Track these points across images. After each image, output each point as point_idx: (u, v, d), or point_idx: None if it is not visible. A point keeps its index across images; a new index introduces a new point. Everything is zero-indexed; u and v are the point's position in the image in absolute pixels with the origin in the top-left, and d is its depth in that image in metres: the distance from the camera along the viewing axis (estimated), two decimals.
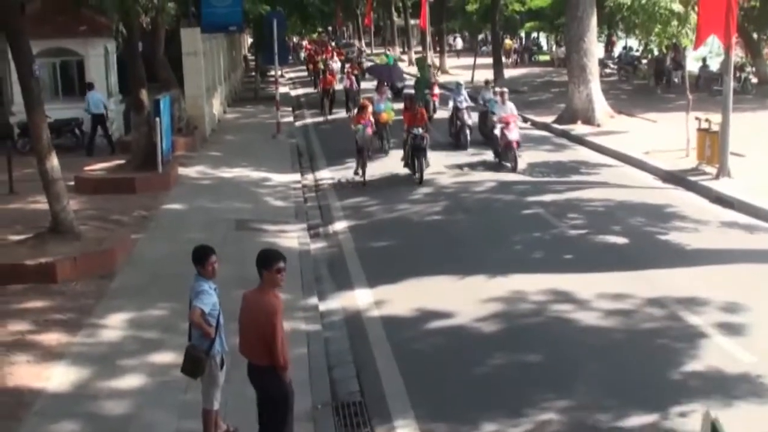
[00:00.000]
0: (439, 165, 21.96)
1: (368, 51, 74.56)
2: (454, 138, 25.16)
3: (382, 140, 24.42)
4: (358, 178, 20.57)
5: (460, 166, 22.19)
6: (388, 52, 54.75)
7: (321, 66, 43.84)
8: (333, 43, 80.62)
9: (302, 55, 72.13)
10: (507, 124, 21.22)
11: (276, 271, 7.14)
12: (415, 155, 20.27)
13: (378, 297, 12.53)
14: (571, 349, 10.44)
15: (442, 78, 46.99)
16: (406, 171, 20.93)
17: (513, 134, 21.15)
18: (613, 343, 10.59)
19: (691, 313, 11.29)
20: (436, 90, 31.35)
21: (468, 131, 24.65)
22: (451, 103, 25.53)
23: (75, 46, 24.89)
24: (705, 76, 37.05)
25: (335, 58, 51.21)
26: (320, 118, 33.81)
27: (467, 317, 11.50)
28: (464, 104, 24.81)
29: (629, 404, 8.81)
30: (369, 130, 21.16)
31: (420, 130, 20.28)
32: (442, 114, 28.55)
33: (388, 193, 19.31)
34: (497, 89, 25.29)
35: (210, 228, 15.72)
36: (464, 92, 25.40)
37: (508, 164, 21.29)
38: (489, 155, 22.85)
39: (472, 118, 24.97)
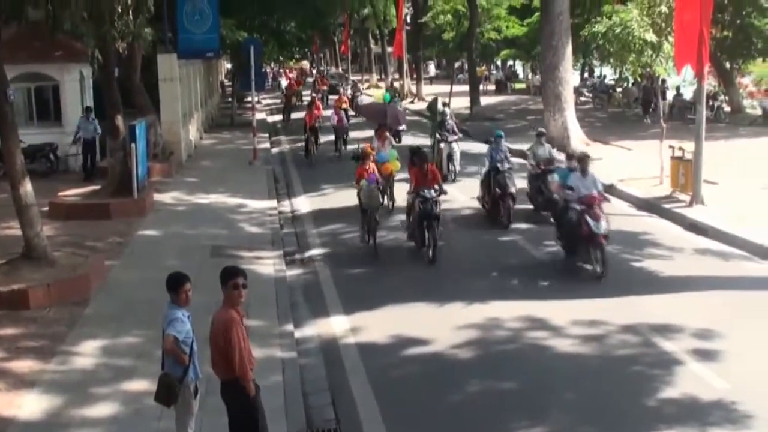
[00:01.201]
0: (470, 244, 17.55)
1: (364, 85, 67.74)
2: (489, 210, 18.99)
3: (383, 195, 19.41)
4: (364, 244, 16.89)
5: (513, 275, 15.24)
6: (388, 90, 48.14)
7: (295, 100, 43.88)
8: (314, 71, 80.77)
9: (283, 83, 62.96)
10: (590, 206, 14.61)
11: (233, 286, 7.25)
12: (425, 225, 15.91)
13: (354, 324, 12.49)
14: (546, 375, 10.45)
15: (418, 104, 47.32)
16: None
17: (601, 225, 14.32)
18: (588, 369, 10.61)
19: (665, 340, 11.35)
20: (455, 137, 24.26)
21: (511, 203, 18.35)
22: (486, 163, 19.24)
23: (50, 71, 24.80)
24: (679, 104, 37.47)
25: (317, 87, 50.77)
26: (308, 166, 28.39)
27: (443, 344, 11.49)
28: (506, 164, 18.77)
29: (604, 431, 8.80)
30: (375, 190, 17.14)
31: (432, 192, 16.03)
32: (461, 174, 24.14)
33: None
34: (574, 152, 19.08)
35: (185, 254, 15.65)
36: (505, 146, 19.59)
37: (590, 267, 14.62)
38: (540, 237, 17.43)
39: (515, 184, 18.57)
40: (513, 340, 11.70)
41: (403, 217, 17.76)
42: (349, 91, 46.95)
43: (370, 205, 16.62)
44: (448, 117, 24.36)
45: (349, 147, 28.86)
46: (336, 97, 38.56)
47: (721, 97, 37.52)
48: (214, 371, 7.52)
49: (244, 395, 7.38)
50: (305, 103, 38.50)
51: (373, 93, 58.09)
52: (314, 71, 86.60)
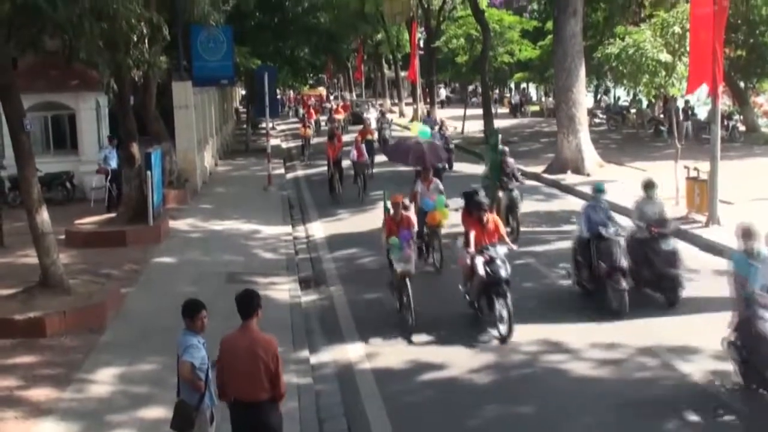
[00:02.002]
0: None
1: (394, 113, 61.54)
2: (590, 290, 14.36)
3: (428, 251, 17.22)
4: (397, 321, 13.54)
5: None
6: (424, 120, 38.35)
7: (311, 131, 39.28)
8: (331, 97, 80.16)
9: (301, 111, 57.78)
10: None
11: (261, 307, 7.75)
12: (492, 294, 12.69)
13: (369, 349, 12.46)
14: (563, 399, 10.38)
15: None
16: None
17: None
18: (606, 393, 10.53)
19: (683, 362, 11.27)
20: (516, 184, 19.55)
21: (625, 282, 13.54)
22: (581, 226, 14.52)
23: (67, 100, 25.00)
24: (693, 124, 37.39)
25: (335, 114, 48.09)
26: (332, 209, 24.70)
27: (459, 369, 11.45)
28: (611, 228, 14.15)
29: None
30: (410, 251, 13.61)
31: (499, 249, 12.99)
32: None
33: (379, 245, 19.23)
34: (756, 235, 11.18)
35: (201, 281, 15.68)
36: (606, 203, 15.11)
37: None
38: (556, 259, 16.48)
39: (627, 255, 13.93)
40: (530, 363, 11.63)
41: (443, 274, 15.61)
42: (373, 122, 39.35)
43: (404, 272, 13.35)
44: (507, 156, 20.04)
45: (375, 192, 24.76)
46: (360, 127, 34.32)
47: (736, 117, 37.42)
48: (239, 393, 7.54)
49: (278, 412, 7.67)
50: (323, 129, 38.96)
51: (405, 122, 54.13)
52: (331, 97, 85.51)
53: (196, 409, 7.56)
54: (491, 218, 13.62)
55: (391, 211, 14.33)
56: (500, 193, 18.87)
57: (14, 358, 11.68)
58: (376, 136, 35.73)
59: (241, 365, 7.43)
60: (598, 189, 15.17)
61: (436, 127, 31.76)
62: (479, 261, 12.73)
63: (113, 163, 23.61)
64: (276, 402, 7.63)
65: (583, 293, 14.54)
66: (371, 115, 43.57)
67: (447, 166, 26.83)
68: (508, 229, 17.54)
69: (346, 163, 26.77)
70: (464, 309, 13.76)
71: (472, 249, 13.03)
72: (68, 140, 25.90)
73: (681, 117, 36.83)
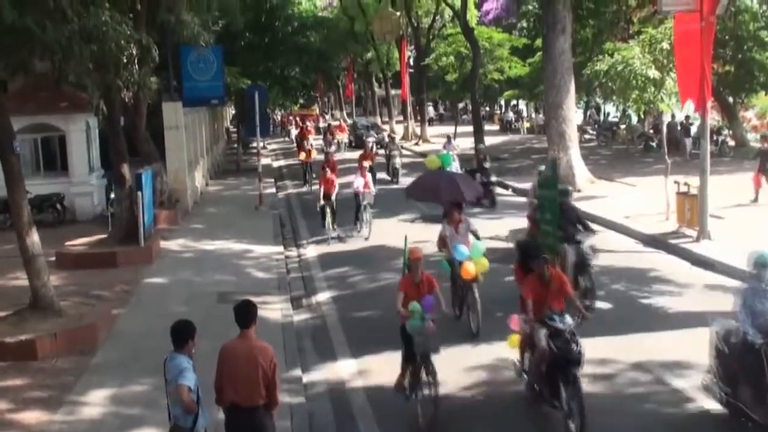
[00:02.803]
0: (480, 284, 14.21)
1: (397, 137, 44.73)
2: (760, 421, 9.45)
3: (460, 309, 14.33)
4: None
5: None
6: (444, 149, 30.40)
7: (308, 155, 33.92)
8: (325, 117, 78.27)
9: (293, 132, 55.46)
10: None
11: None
12: (558, 379, 9.66)
13: (362, 367, 12.45)
14: (555, 415, 10.34)
15: (423, 146, 47.37)
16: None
17: None
18: (599, 408, 10.49)
19: (676, 377, 11.28)
20: (585, 234, 15.16)
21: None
22: (741, 318, 9.61)
23: (56, 122, 24.97)
24: (694, 140, 37.55)
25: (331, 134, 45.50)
26: (323, 239, 22.22)
27: (452, 386, 11.41)
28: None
29: None
30: (432, 323, 10.40)
31: (567, 319, 10.01)
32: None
33: (371, 263, 19.26)
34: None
35: (192, 301, 15.64)
36: None
37: None
38: None
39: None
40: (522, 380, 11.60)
41: (504, 349, 11.70)
42: (372, 145, 35.04)
43: (422, 349, 10.35)
44: (569, 196, 16.18)
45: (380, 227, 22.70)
46: (360, 152, 30.83)
47: (725, 132, 37.60)
48: (239, 401, 7.75)
49: (272, 420, 8.00)
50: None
51: (418, 148, 49.69)
52: (327, 116, 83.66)
53: (191, 430, 7.55)
54: (556, 276, 10.62)
55: (409, 271, 11.07)
56: (566, 246, 14.54)
57: (5, 381, 11.63)
58: (388, 166, 34.10)
59: (241, 371, 7.68)
60: (762, 263, 9.77)
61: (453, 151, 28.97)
62: (542, 334, 9.83)
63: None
64: (270, 409, 7.92)
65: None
66: (371, 138, 38.92)
67: (489, 203, 24.87)
68: (588, 296, 14.43)
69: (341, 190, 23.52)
70: (457, 325, 13.77)
71: (530, 316, 10.25)
72: (58, 162, 25.86)
73: (680, 133, 36.83)
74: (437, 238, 15.03)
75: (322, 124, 63.01)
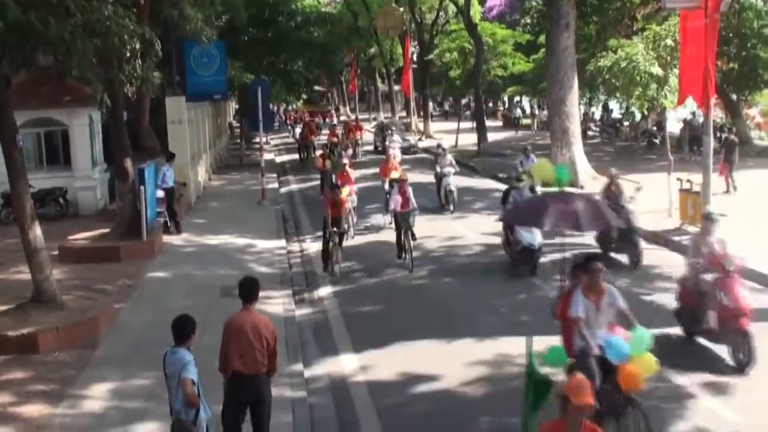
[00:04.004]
0: (481, 281, 16.63)
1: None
2: None
3: None
4: None
5: None
6: (521, 166, 25.74)
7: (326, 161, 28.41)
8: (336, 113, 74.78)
9: (296, 130, 49.90)
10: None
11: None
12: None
13: (364, 362, 12.46)
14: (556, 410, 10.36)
15: (426, 142, 47.33)
16: None
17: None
18: None
19: (677, 374, 11.26)
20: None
21: None
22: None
23: (60, 116, 24.99)
24: (686, 136, 37.48)
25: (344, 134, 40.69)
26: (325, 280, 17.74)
27: (453, 381, 11.45)
28: None
29: None
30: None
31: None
32: None
33: (374, 259, 19.27)
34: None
35: (195, 295, 15.66)
36: None
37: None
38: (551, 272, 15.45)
39: None
40: (522, 375, 11.61)
41: None
42: (398, 153, 28.88)
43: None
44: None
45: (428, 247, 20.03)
46: (384, 158, 26.27)
47: (728, 126, 37.56)
48: (243, 369, 8.27)
49: (270, 389, 8.63)
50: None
51: (421, 144, 46.35)
52: (335, 113, 78.43)
53: (194, 424, 7.59)
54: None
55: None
56: None
57: (7, 375, 11.65)
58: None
59: (246, 341, 8.24)
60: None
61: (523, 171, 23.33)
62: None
63: (170, 182, 22.65)
64: (270, 377, 8.57)
65: None
66: (395, 145, 32.78)
67: (631, 259, 17.39)
68: None
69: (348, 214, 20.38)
70: (457, 322, 13.83)
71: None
72: (61, 156, 25.88)
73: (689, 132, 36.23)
74: (561, 323, 10.01)
75: (333, 121, 57.42)
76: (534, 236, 16.56)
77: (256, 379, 8.37)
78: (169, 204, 22.45)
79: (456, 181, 25.45)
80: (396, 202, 18.64)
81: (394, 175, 22.62)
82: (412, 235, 18.35)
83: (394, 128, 45.95)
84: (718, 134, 33.98)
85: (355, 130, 44.92)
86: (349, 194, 20.24)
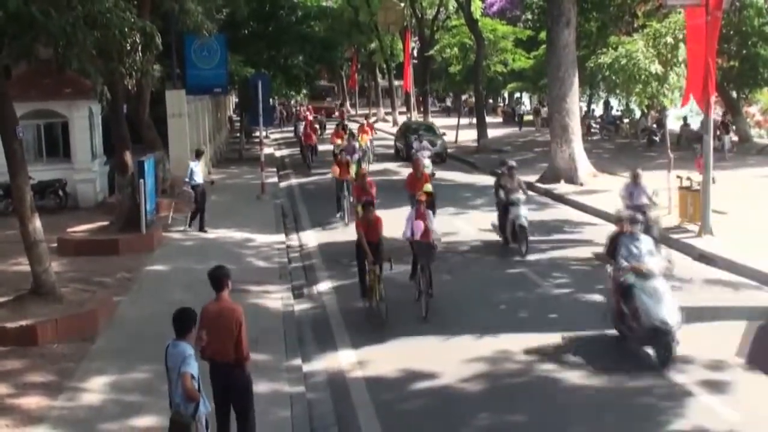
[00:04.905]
0: (478, 277, 16.36)
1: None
2: None
3: None
4: None
5: None
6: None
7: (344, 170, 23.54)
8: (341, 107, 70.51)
9: (300, 128, 43.83)
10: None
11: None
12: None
13: (362, 357, 12.45)
14: (556, 408, 10.39)
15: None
16: None
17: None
18: (599, 402, 10.54)
19: (675, 372, 11.28)
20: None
21: None
22: None
23: (60, 108, 24.97)
24: (686, 134, 37.49)
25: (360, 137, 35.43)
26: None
27: (452, 377, 11.44)
28: None
29: None
30: None
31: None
32: None
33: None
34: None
35: (193, 289, 15.57)
36: None
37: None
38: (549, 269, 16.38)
39: None
40: (522, 373, 11.63)
41: None
42: (428, 163, 24.86)
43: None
44: None
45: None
46: (409, 172, 21.09)
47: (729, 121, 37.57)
48: (214, 356, 8.43)
49: (246, 373, 8.62)
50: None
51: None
52: (347, 112, 71.67)
53: (193, 418, 7.58)
54: None
55: None
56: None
57: (6, 366, 11.64)
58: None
59: (214, 329, 8.32)
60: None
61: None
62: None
63: (198, 179, 21.87)
64: (242, 363, 8.52)
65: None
66: (425, 152, 27.62)
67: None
68: None
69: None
70: (455, 319, 13.81)
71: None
72: (61, 148, 25.86)
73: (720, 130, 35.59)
74: None
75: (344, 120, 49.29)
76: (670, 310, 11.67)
77: (227, 366, 8.43)
78: (198, 202, 21.70)
79: (526, 212, 18.78)
80: (417, 228, 14.70)
81: (426, 188, 18.68)
82: (430, 281, 14.42)
83: (422, 132, 36.93)
84: (718, 132, 33.93)
85: (368, 131, 38.79)
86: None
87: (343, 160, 24.41)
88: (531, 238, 18.81)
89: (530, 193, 26.53)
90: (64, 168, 25.12)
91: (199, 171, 22.14)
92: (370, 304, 14.53)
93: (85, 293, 14.72)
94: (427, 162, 24.91)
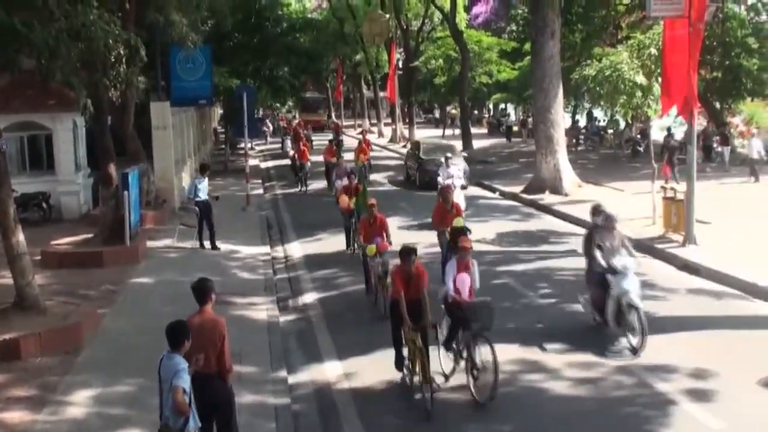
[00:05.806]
0: None
1: None
2: None
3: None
4: None
5: None
6: None
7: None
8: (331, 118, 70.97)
9: (288, 143, 43.44)
10: None
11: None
12: None
13: (348, 369, 12.42)
14: (541, 418, 10.39)
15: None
16: None
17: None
18: (583, 411, 10.55)
19: (660, 381, 11.31)
20: None
21: None
22: None
23: (43, 120, 24.87)
24: (668, 146, 37.60)
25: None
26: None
27: (447, 384, 11.40)
28: None
29: None
30: None
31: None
32: None
33: (357, 264, 19.21)
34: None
35: (178, 301, 15.48)
36: None
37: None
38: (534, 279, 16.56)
39: None
40: (508, 383, 11.60)
41: None
42: (462, 200, 21.32)
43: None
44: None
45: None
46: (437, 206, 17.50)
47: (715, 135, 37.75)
48: (197, 366, 8.14)
49: (228, 385, 8.62)
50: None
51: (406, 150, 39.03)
52: (329, 119, 73.87)
53: (180, 431, 7.55)
54: None
55: None
56: None
57: None
58: None
59: (196, 342, 8.14)
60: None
61: None
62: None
63: (202, 195, 21.31)
64: (224, 376, 8.52)
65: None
66: (452, 171, 24.09)
67: None
68: None
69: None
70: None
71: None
72: (45, 160, 25.76)
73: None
74: None
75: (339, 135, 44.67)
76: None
77: (209, 379, 8.36)
78: (204, 219, 21.12)
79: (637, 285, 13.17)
80: (462, 283, 11.59)
81: (458, 222, 15.88)
82: (495, 357, 10.65)
83: (450, 154, 28.06)
84: (715, 144, 34.22)
85: (367, 149, 35.24)
86: (379, 252, 15.24)
87: (353, 187, 20.39)
88: (516, 248, 18.69)
89: (515, 203, 26.55)
90: (47, 180, 25.00)
91: (203, 187, 21.49)
92: (410, 383, 11.35)
93: (69, 306, 14.63)
94: (460, 192, 21.67)
